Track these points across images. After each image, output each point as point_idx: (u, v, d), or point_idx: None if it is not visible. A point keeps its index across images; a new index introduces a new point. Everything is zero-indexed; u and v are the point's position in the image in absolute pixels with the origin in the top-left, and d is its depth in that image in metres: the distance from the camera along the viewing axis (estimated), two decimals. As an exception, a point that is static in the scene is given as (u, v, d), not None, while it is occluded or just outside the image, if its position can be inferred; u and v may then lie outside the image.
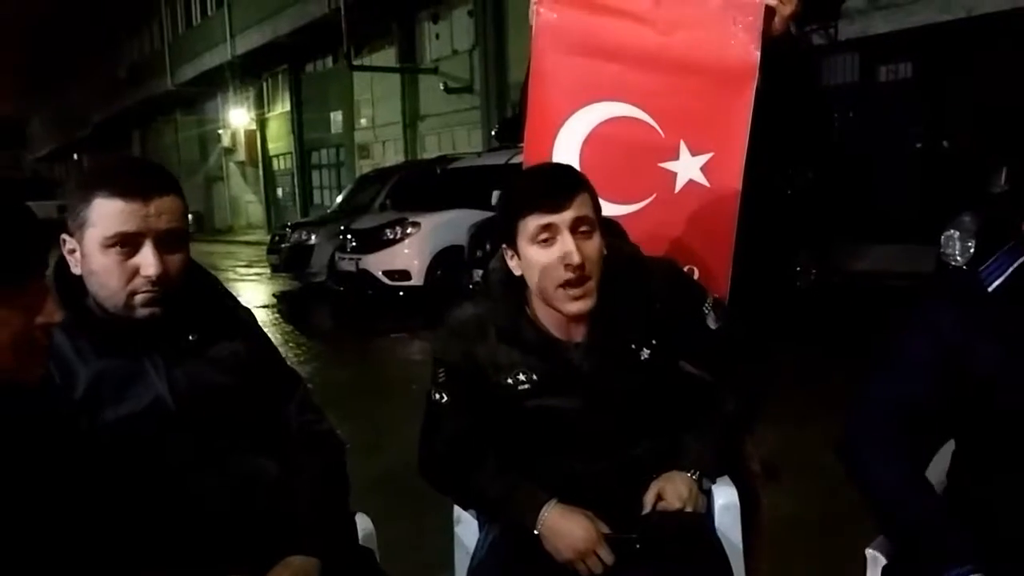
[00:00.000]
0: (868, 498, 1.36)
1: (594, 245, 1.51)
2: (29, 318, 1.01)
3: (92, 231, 1.31)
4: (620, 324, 1.59)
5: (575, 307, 1.51)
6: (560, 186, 1.51)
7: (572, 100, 2.09)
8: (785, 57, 1.95)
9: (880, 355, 1.41)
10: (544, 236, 1.49)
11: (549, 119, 2.11)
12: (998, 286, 1.29)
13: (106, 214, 1.29)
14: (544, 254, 1.49)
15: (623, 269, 1.59)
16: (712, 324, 1.65)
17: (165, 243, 1.33)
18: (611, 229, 1.67)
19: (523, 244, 1.52)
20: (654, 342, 1.60)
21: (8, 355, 0.99)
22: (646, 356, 1.60)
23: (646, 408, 1.63)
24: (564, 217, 1.48)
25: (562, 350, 1.59)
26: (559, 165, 1.65)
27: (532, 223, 1.49)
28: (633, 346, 1.59)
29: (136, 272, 1.31)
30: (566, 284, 1.49)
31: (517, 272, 1.57)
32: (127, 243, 1.30)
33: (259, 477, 1.45)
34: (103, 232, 1.30)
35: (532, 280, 1.54)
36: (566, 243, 1.48)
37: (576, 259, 1.46)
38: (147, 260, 1.31)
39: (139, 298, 1.32)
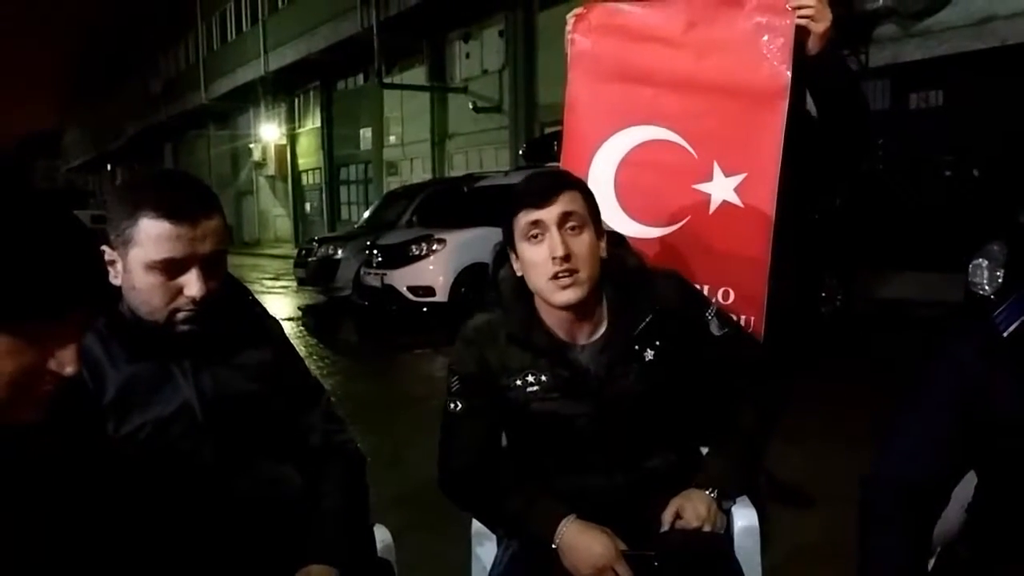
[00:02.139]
0: (862, 551, 1.36)
1: (583, 241, 1.56)
2: (44, 357, 0.92)
3: (137, 251, 1.30)
4: (624, 326, 1.62)
5: (563, 297, 1.55)
6: (546, 184, 1.58)
7: (607, 125, 2.12)
8: (830, 76, 1.95)
9: (905, 396, 1.41)
10: (534, 232, 1.55)
11: (585, 144, 2.15)
12: (1012, 332, 1.28)
13: (154, 236, 1.29)
14: (534, 250, 1.56)
15: (626, 276, 1.64)
16: (716, 331, 1.68)
17: (209, 265, 1.34)
18: (614, 240, 1.72)
19: (519, 242, 1.59)
20: (658, 343, 1.63)
21: (1, 392, 0.90)
22: (650, 357, 1.62)
23: (657, 417, 1.65)
24: (551, 212, 1.54)
25: (570, 352, 1.63)
26: (553, 169, 1.75)
27: (523, 220, 1.56)
28: (636, 347, 1.62)
29: (179, 292, 1.32)
30: (555, 276, 1.53)
31: (519, 273, 1.63)
32: (173, 267, 1.31)
33: (282, 485, 1.47)
34: (150, 255, 1.29)
35: (528, 278, 1.60)
36: (553, 238, 1.53)
37: (560, 251, 1.52)
38: (192, 282, 1.31)
39: (181, 316, 1.33)
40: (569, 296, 1.55)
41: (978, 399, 1.28)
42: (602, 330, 1.64)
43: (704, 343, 1.67)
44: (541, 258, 1.55)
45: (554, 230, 1.54)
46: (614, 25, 2.10)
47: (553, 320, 1.63)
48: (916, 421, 1.37)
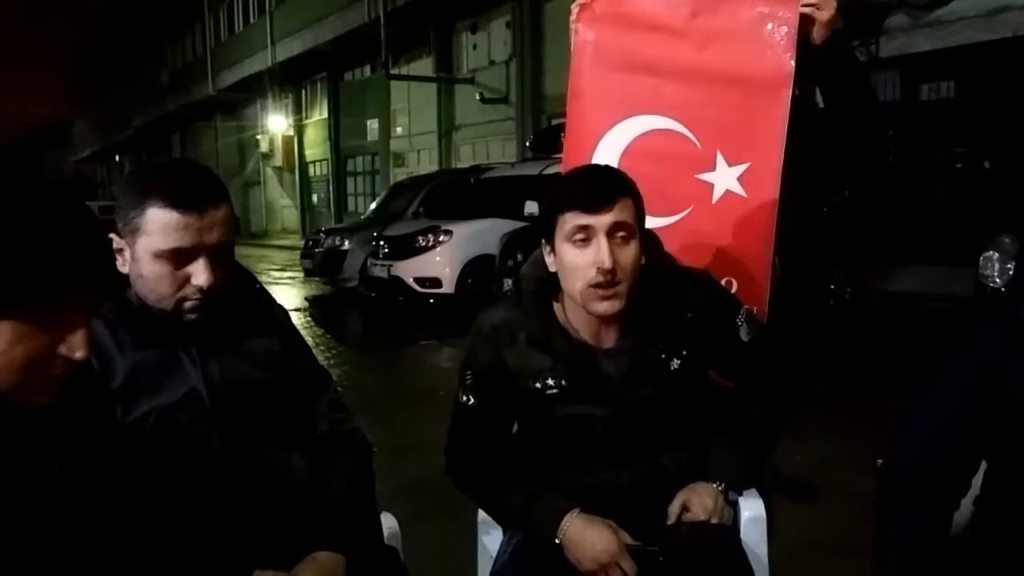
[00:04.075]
0: (878, 537, 1.35)
1: (630, 252, 1.49)
2: (54, 342, 0.94)
3: (145, 239, 1.30)
4: (651, 333, 1.58)
5: (602, 307, 1.49)
6: (602, 188, 1.49)
7: (610, 114, 2.12)
8: (836, 66, 1.94)
9: (923, 386, 1.40)
10: (580, 236, 1.47)
11: (588, 133, 2.14)
12: None
13: (161, 226, 1.29)
14: (578, 254, 1.48)
15: (657, 279, 1.58)
16: (744, 336, 1.64)
17: (217, 255, 1.34)
18: (647, 239, 1.68)
19: (559, 241, 1.51)
20: (685, 352, 1.59)
21: (14, 376, 0.91)
22: (676, 366, 1.59)
23: (673, 419, 1.62)
24: (602, 220, 1.46)
25: (592, 357, 1.58)
26: (608, 168, 1.63)
27: (570, 222, 1.48)
28: (663, 356, 1.58)
29: (187, 280, 1.33)
30: (596, 285, 1.47)
31: (552, 268, 1.56)
32: (180, 256, 1.31)
33: (288, 472, 1.47)
34: (157, 244, 1.30)
35: (564, 278, 1.53)
36: (600, 247, 1.46)
37: (608, 264, 1.45)
38: (200, 271, 1.32)
39: (188, 304, 1.34)
40: (608, 307, 1.49)
41: (999, 389, 1.27)
42: (629, 335, 1.58)
43: (732, 349, 1.64)
44: (584, 263, 1.47)
45: (603, 239, 1.46)
46: (618, 14, 2.10)
47: (580, 321, 1.58)
48: (936, 410, 1.36)
